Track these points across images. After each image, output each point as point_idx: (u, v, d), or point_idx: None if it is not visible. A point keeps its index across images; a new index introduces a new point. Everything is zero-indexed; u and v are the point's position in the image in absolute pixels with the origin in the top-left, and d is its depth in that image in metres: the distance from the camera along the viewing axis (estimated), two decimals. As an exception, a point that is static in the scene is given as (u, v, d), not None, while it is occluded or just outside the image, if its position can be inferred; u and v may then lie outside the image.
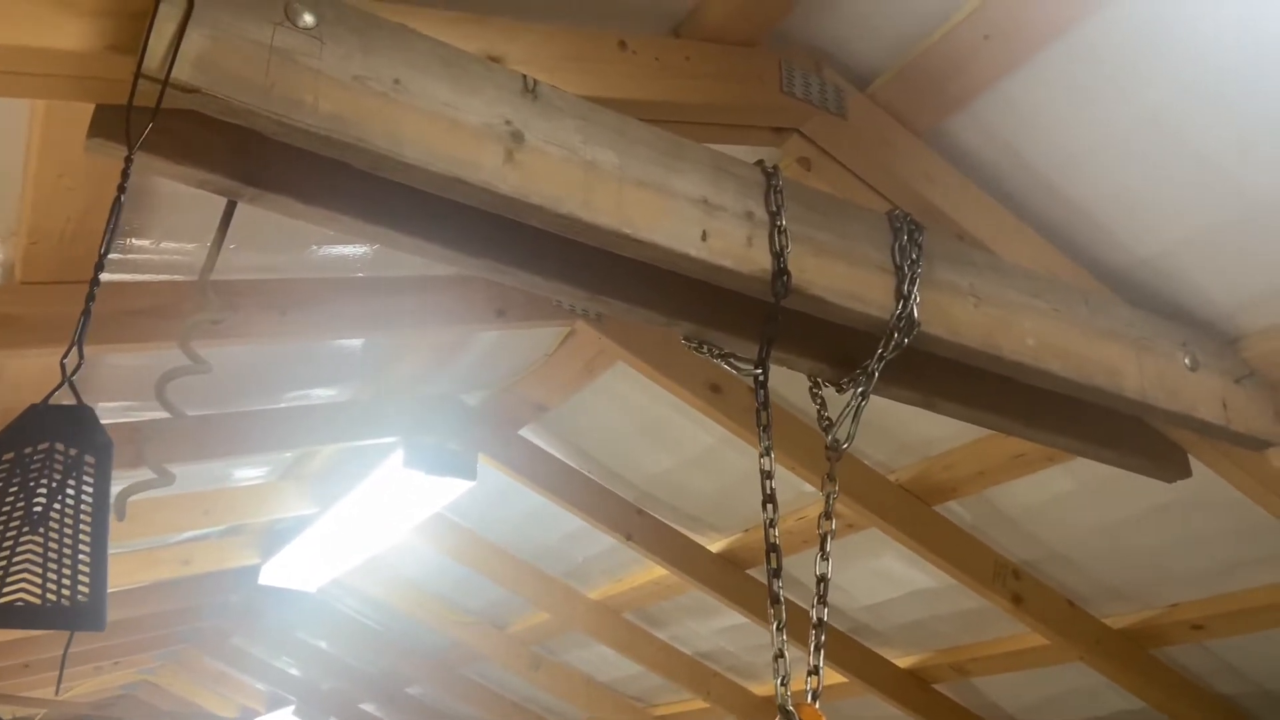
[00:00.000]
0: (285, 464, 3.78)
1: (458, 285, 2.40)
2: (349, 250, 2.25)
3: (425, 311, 2.38)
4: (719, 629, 4.10)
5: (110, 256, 1.92)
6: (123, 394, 2.59)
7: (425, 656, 5.71)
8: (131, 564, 4.16)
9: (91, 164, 1.60)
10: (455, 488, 3.28)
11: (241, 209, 1.48)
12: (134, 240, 1.94)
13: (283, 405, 2.99)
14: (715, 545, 3.55)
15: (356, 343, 2.77)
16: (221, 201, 1.49)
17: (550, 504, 3.49)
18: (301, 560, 4.28)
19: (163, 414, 2.76)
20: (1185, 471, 2.16)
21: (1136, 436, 2.11)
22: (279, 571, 4.48)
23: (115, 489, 1.46)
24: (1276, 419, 2.01)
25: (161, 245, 1.98)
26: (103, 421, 1.19)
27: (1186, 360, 1.92)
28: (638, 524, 3.45)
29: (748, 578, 3.57)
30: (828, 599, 1.47)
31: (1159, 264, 1.94)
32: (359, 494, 3.49)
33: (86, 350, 2.02)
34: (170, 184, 1.74)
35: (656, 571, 3.78)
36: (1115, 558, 2.83)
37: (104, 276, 1.99)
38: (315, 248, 2.18)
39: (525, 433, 3.33)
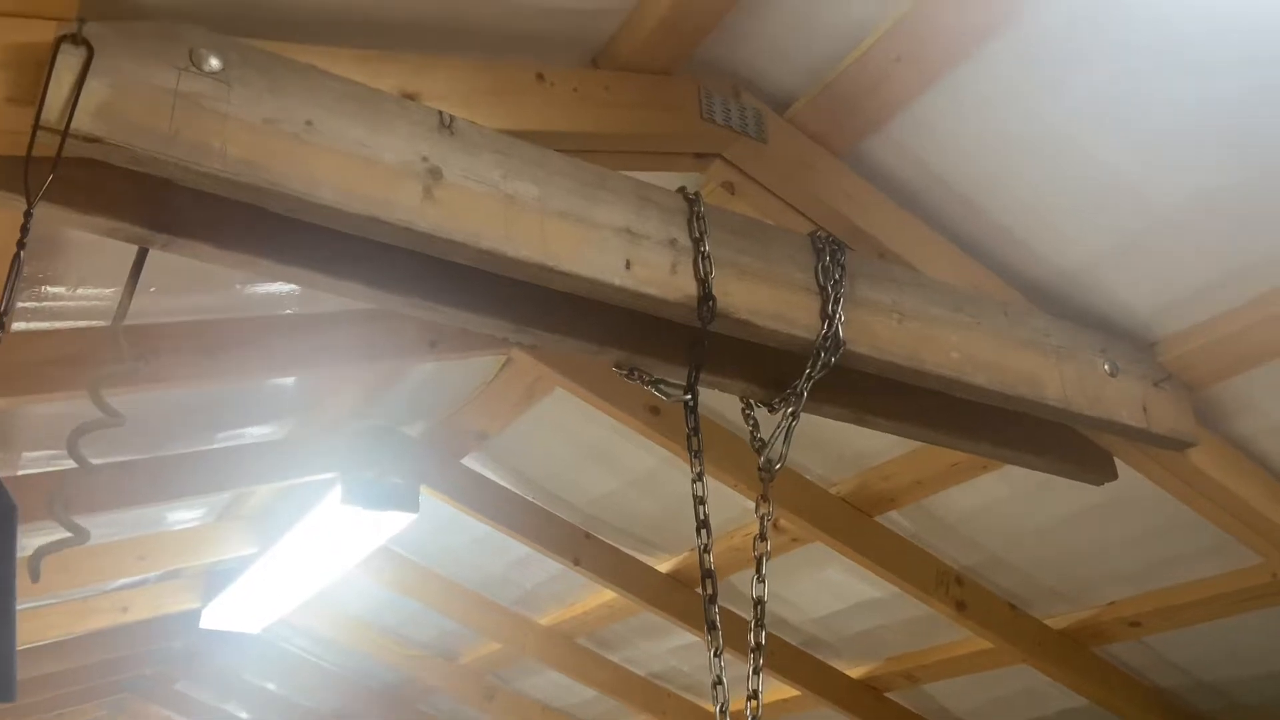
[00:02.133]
0: (222, 504, 3.70)
1: (389, 319, 2.38)
2: (276, 289, 2.21)
3: (357, 347, 2.35)
4: (671, 648, 4.09)
5: (25, 305, 1.88)
6: (45, 444, 2.51)
7: (377, 692, 5.61)
8: (67, 614, 4.03)
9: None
10: (397, 521, 3.23)
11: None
12: (48, 288, 1.89)
13: (216, 446, 2.93)
14: (663, 565, 3.55)
15: (290, 379, 2.73)
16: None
17: (496, 532, 3.46)
18: (244, 601, 4.18)
19: (66, 464, 2.68)
20: (1112, 474, 2.21)
21: (1064, 442, 2.16)
22: (221, 614, 4.38)
23: (36, 543, 1.42)
24: (1195, 420, 2.07)
25: (78, 291, 1.93)
26: (26, 472, 1.15)
27: (1106, 367, 1.97)
28: (585, 548, 3.44)
29: (697, 597, 3.57)
30: (765, 620, 1.48)
31: (1077, 275, 1.99)
32: (299, 532, 3.42)
33: (4, 403, 1.95)
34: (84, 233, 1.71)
35: (606, 594, 3.77)
36: (1053, 560, 2.89)
37: (20, 326, 1.95)
38: (240, 287, 2.14)
39: (468, 461, 3.30)
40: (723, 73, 1.84)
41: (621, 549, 3.50)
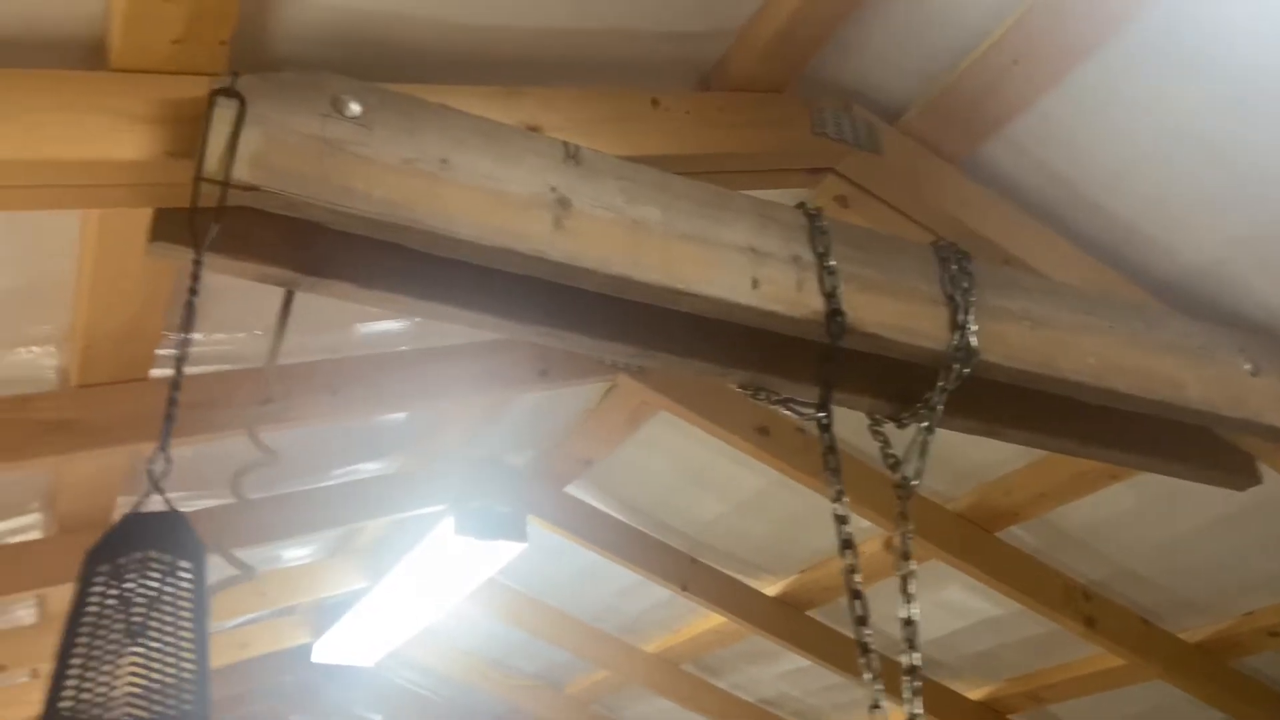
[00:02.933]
0: (335, 540, 3.78)
1: (500, 349, 2.41)
2: (391, 326, 2.26)
3: (470, 378, 2.38)
4: (780, 673, 4.02)
5: (164, 353, 1.95)
6: (176, 485, 2.60)
7: (483, 723, 5.65)
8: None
9: (144, 266, 1.62)
10: (507, 551, 3.26)
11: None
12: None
13: (332, 482, 3.00)
14: (772, 589, 3.50)
15: (400, 414, 2.78)
16: (269, 289, 1.50)
17: (601, 559, 3.46)
18: (355, 635, 4.25)
19: (214, 501, 2.77)
20: (1255, 478, 2.12)
21: (1203, 447, 2.07)
22: (332, 648, 4.46)
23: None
24: (1345, 417, 1.97)
25: (212, 337, 2.00)
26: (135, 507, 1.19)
27: (1247, 366, 1.89)
28: (692, 573, 3.42)
29: (808, 619, 3.51)
30: (917, 642, 1.44)
31: (1210, 271, 1.92)
32: (409, 564, 3.47)
33: (148, 448, 2.03)
34: (214, 277, 1.77)
35: (713, 619, 3.73)
36: (1186, 570, 2.77)
37: (156, 372, 2.03)
38: (359, 326, 2.20)
39: (572, 489, 3.31)
40: (833, 86, 1.82)
41: (729, 573, 3.47)
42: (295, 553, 3.73)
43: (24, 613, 3.45)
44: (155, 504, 1.08)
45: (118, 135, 1.18)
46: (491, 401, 2.81)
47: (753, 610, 3.47)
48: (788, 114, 1.78)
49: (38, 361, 1.89)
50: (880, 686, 1.31)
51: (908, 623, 1.44)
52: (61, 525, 2.60)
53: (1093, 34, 1.61)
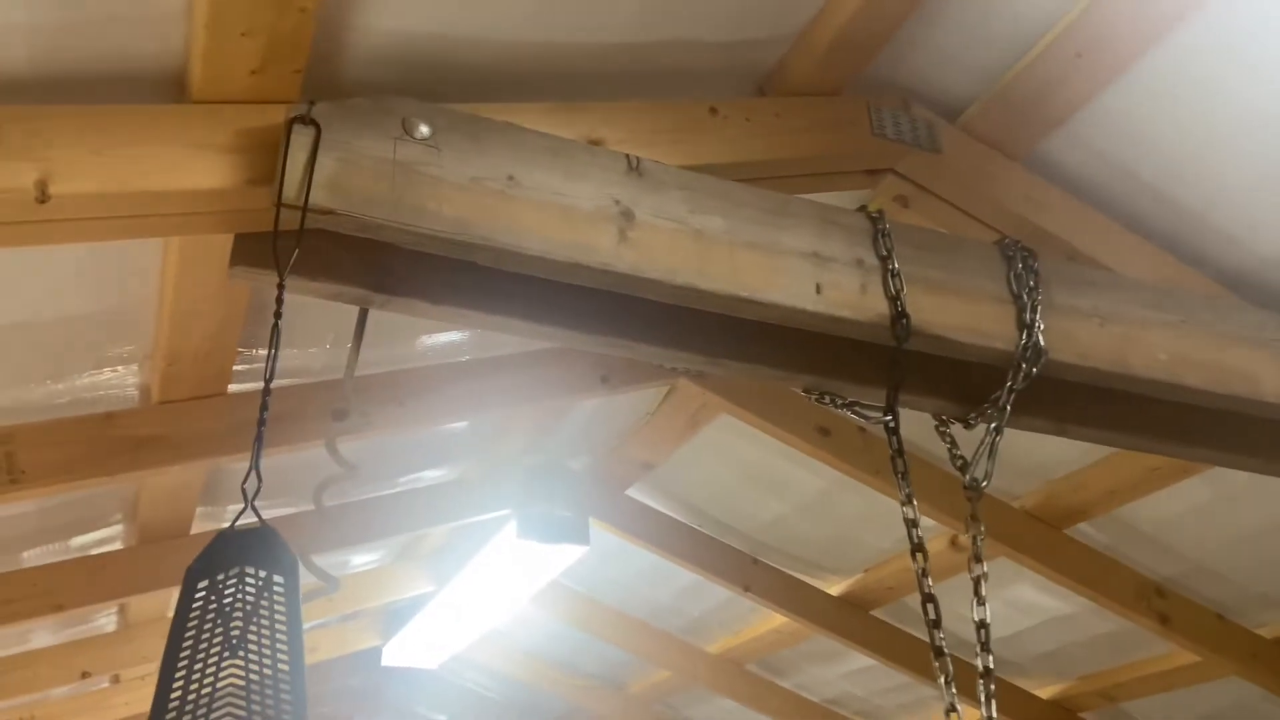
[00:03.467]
0: (400, 545, 3.84)
1: (561, 357, 2.44)
2: (453, 337, 2.30)
3: (532, 386, 2.42)
4: (845, 673, 4.01)
5: (240, 368, 2.01)
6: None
7: (546, 723, 5.70)
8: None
9: (221, 287, 1.67)
10: (569, 554, 3.29)
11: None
12: (258, 350, 2.02)
13: (398, 490, 3.05)
14: (835, 588, 3.49)
15: (463, 423, 2.82)
16: (337, 305, 1.54)
17: (662, 561, 3.48)
18: (421, 638, 4.33)
19: (286, 510, 2.84)
20: (1335, 471, 2.06)
21: (1277, 440, 2.02)
22: (400, 651, 4.54)
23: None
24: None
25: (284, 353, 2.05)
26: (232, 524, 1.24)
27: (1326, 357, 1.84)
28: (754, 574, 3.42)
29: (872, 619, 3.49)
30: (990, 644, 1.44)
31: (1283, 261, 1.88)
32: (474, 568, 3.53)
33: (227, 461, 2.09)
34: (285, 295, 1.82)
35: (775, 620, 3.73)
36: (1262, 565, 2.71)
37: (234, 387, 2.09)
38: (423, 338, 2.24)
39: (633, 492, 3.34)
40: (891, 86, 1.82)
41: (791, 573, 3.47)
42: (363, 558, 3.81)
43: (104, 620, 3.57)
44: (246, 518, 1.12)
45: (201, 165, 1.23)
46: (553, 408, 2.84)
47: (815, 610, 3.46)
48: (846, 116, 1.77)
49: (121, 380, 1.96)
50: (954, 691, 1.31)
51: (981, 625, 1.43)
52: (142, 536, 2.69)
53: (1157, 24, 1.59)
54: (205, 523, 2.74)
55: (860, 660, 3.74)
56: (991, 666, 1.40)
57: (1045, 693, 3.53)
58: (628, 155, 1.47)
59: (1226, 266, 1.93)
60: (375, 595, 3.95)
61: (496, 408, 2.43)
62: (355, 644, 4.57)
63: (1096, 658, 3.29)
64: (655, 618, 4.16)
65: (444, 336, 2.30)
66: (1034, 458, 2.63)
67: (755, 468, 3.07)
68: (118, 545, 2.82)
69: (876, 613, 3.48)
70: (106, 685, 4.11)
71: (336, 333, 2.05)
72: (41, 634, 3.37)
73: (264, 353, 2.04)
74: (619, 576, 3.96)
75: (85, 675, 3.55)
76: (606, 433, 3.11)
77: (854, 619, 3.47)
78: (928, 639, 3.01)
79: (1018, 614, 3.22)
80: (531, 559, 3.32)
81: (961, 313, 1.60)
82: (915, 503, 1.50)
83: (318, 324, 2.02)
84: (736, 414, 2.67)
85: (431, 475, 3.13)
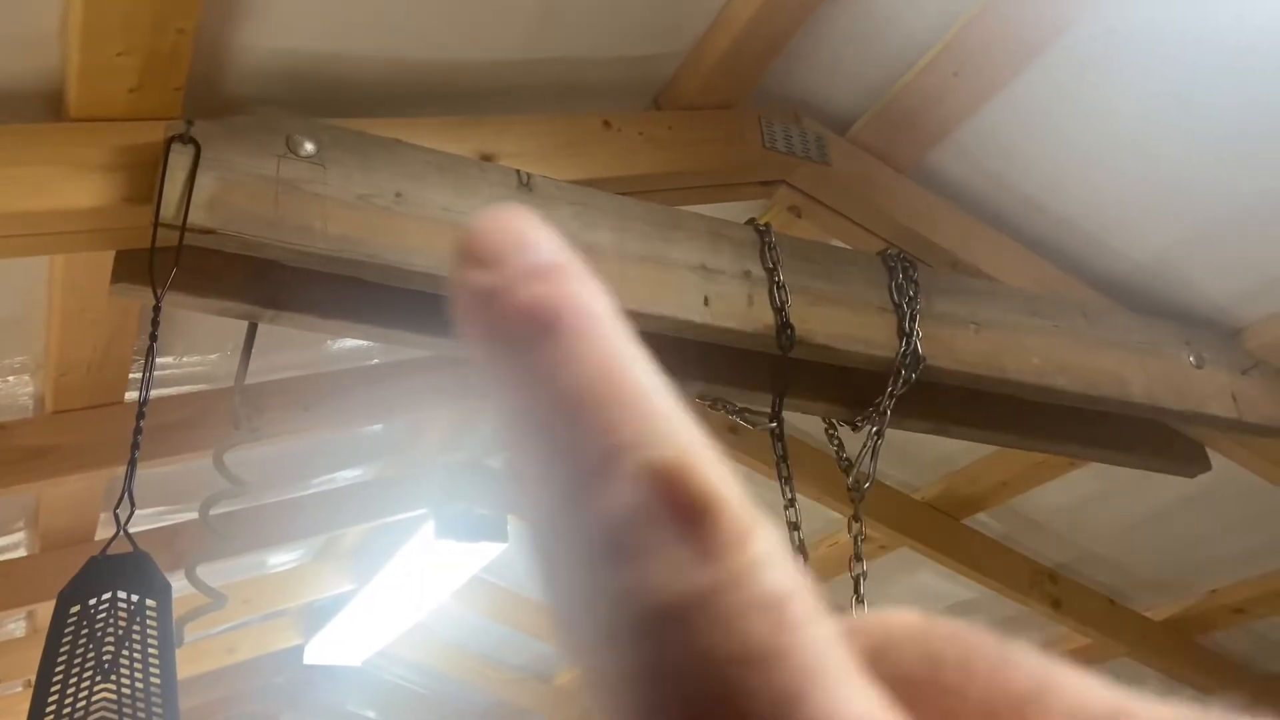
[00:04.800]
0: (318, 544, 3.82)
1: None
2: (362, 341, 2.30)
3: (442, 390, 2.43)
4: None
5: (137, 376, 1.99)
6: (156, 500, 2.64)
7: (474, 716, 5.72)
8: (179, 660, 4.19)
9: (110, 297, 1.66)
10: (489, 551, 3.32)
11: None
12: (157, 358, 2.00)
13: (312, 491, 3.04)
14: (750, 579, 3.57)
15: (377, 425, 2.82)
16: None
17: (583, 556, 3.52)
18: (344, 636, 4.31)
19: (192, 516, 2.81)
20: (1205, 465, 2.19)
21: (1153, 437, 2.13)
22: (323, 649, 4.52)
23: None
24: (1287, 404, 2.04)
25: (183, 360, 2.04)
26: (138, 529, 1.24)
27: (1191, 359, 1.96)
28: (672, 567, 3.48)
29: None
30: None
31: (1155, 268, 1.98)
32: (394, 567, 3.53)
33: (124, 470, 2.06)
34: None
35: (695, 610, 3.80)
36: (1150, 551, 2.85)
37: (132, 395, 2.07)
38: (331, 343, 2.24)
39: (551, 489, 3.36)
40: (782, 100, 1.87)
41: (708, 565, 3.54)
42: (280, 558, 3.78)
43: (14, 626, 3.49)
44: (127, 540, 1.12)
45: (77, 184, 1.22)
46: (467, 409, 2.85)
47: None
48: (738, 129, 1.82)
49: (13, 390, 1.93)
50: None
51: (860, 623, 1.50)
52: (44, 543, 2.64)
53: (1029, 45, 1.66)
54: (110, 528, 2.70)
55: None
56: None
57: (952, 675, 3.66)
58: (518, 171, 1.49)
59: (1103, 274, 2.03)
60: (295, 594, 3.93)
61: (405, 412, 2.44)
62: (276, 643, 4.53)
63: (998, 641, 3.42)
64: (578, 610, 4.21)
65: (352, 341, 2.30)
66: (936, 451, 2.73)
67: (669, 464, 3.12)
68: (22, 552, 2.77)
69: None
70: (20, 690, 4.02)
71: (237, 340, 2.04)
72: (-54, 642, 3.29)
73: (163, 359, 2.03)
74: (541, 571, 3.99)
75: (-6, 682, 3.48)
76: (523, 431, 3.13)
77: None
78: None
79: (922, 600, 3.34)
80: (451, 557, 3.34)
81: (845, 322, 1.66)
82: (798, 506, 1.55)
83: (219, 329, 2.01)
84: (648, 413, 2.71)
85: (347, 475, 3.12)
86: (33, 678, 3.42)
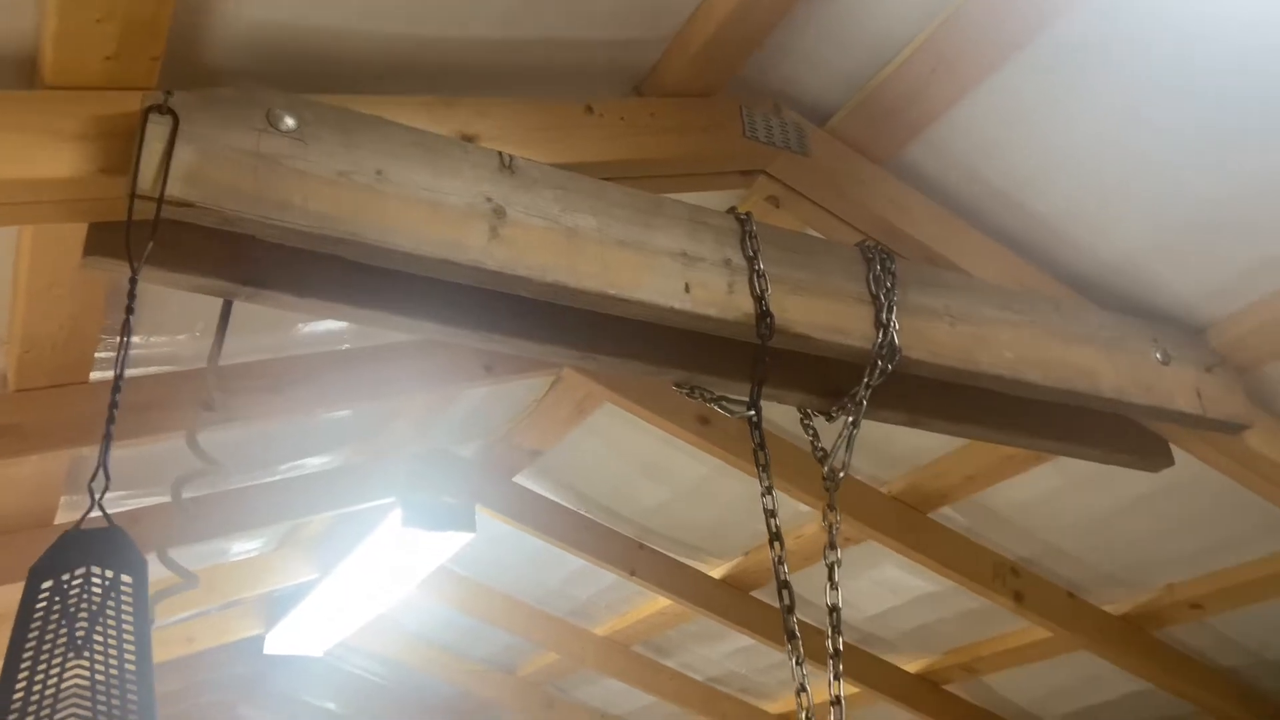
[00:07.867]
0: (282, 532, 3.78)
1: (444, 345, 2.43)
2: (334, 325, 2.28)
3: (415, 376, 2.41)
4: (728, 652, 4.12)
5: (103, 355, 1.95)
6: (122, 484, 2.59)
7: (437, 708, 5.69)
8: (134, 647, 4.12)
9: (79, 272, 1.62)
10: (455, 541, 3.29)
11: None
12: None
13: (278, 477, 3.00)
14: (717, 571, 3.58)
15: (346, 410, 2.79)
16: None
17: (551, 546, 3.51)
18: (306, 626, 4.26)
19: (159, 500, 2.76)
20: (1168, 460, 2.23)
21: (1119, 432, 2.17)
22: (284, 639, 4.46)
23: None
24: (1248, 402, 2.08)
25: (151, 340, 2.00)
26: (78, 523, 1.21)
27: (1158, 355, 1.99)
28: (639, 558, 3.48)
29: (752, 600, 3.60)
30: (840, 626, 1.52)
31: (1123, 265, 2.01)
32: (359, 556, 3.49)
33: (89, 451, 2.02)
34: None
35: (660, 602, 3.81)
36: (1110, 546, 2.90)
37: (96, 375, 2.03)
38: (302, 326, 2.21)
39: (520, 479, 3.35)
40: (763, 89, 1.88)
41: (675, 557, 3.55)
42: (243, 546, 3.73)
43: (-35, 613, 3.41)
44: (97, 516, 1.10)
45: (51, 153, 1.19)
46: (439, 395, 2.83)
47: (698, 592, 3.55)
48: (719, 118, 1.82)
49: (-26, 367, 1.89)
50: (805, 671, 1.38)
51: (833, 609, 1.51)
52: (2, 526, 2.58)
53: (1004, 45, 1.68)
54: (70, 512, 2.64)
55: (741, 640, 3.86)
56: (841, 649, 1.48)
57: (913, 666, 3.71)
58: (500, 153, 1.48)
59: (1074, 270, 2.06)
60: (256, 583, 3.88)
61: (377, 397, 2.41)
62: (236, 632, 4.47)
63: (960, 633, 3.47)
64: (544, 602, 4.20)
65: (323, 325, 2.27)
66: (903, 445, 2.76)
67: (640, 455, 3.13)
68: (-24, 535, 2.70)
69: (756, 594, 3.59)
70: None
71: (206, 320, 2.01)
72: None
73: (131, 340, 1.99)
74: (507, 561, 3.97)
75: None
76: (494, 420, 3.12)
77: (735, 600, 3.57)
78: (810, 623, 3.14)
79: (887, 593, 3.37)
80: (417, 546, 3.31)
81: (823, 312, 1.67)
82: (775, 494, 1.56)
83: (188, 310, 1.97)
84: (620, 403, 2.71)
85: (315, 462, 3.08)
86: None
